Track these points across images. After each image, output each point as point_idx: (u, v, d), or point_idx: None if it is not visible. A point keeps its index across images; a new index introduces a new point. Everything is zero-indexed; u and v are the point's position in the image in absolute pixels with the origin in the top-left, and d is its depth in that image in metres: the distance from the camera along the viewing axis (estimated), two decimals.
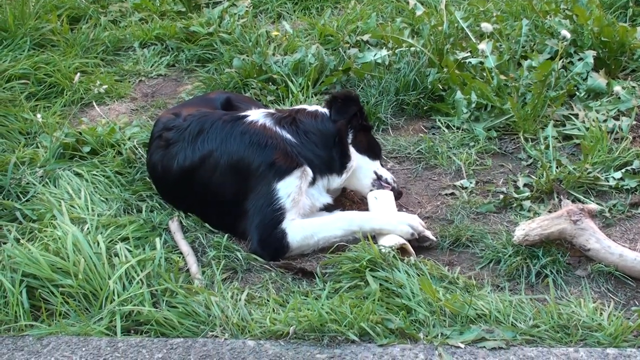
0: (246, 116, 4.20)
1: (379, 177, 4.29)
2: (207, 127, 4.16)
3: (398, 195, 4.28)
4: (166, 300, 3.50)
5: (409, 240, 3.85)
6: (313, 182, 4.13)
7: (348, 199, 4.46)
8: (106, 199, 4.39)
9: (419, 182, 4.65)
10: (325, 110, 4.30)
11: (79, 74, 5.90)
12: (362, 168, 4.29)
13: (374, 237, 3.86)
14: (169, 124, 4.35)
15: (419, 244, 3.92)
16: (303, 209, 4.04)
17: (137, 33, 6.84)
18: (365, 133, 4.40)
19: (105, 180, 4.55)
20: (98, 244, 3.75)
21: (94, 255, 3.65)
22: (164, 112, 4.80)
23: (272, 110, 4.39)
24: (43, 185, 4.52)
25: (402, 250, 3.78)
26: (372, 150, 4.40)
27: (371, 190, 4.24)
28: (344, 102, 4.27)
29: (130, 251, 3.78)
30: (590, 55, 5.33)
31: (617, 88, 5.09)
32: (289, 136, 4.11)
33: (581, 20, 5.56)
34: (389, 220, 3.93)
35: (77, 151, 4.85)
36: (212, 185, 4.08)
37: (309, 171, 4.05)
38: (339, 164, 4.20)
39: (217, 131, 4.12)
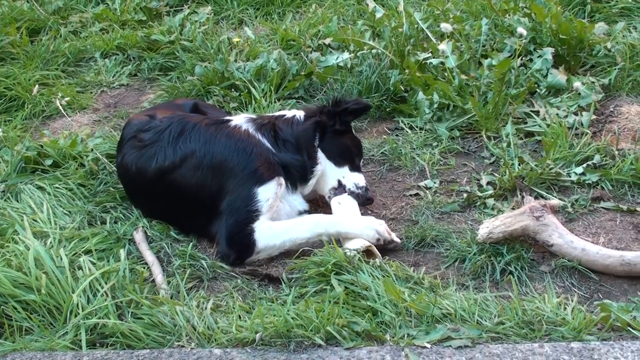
0: (229, 120, 4.26)
1: (340, 185, 4.29)
2: (189, 128, 4.18)
3: (367, 201, 4.28)
4: (131, 312, 3.48)
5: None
6: (295, 189, 4.20)
7: (313, 204, 4.44)
8: (69, 211, 4.36)
9: (383, 183, 4.66)
10: (301, 114, 4.36)
11: (37, 86, 5.84)
12: (325, 175, 4.31)
13: (339, 240, 3.87)
14: (143, 125, 4.34)
15: (384, 245, 3.92)
16: (278, 215, 4.08)
17: (98, 43, 6.80)
18: (338, 137, 4.38)
19: (68, 192, 4.52)
20: (61, 257, 3.70)
21: (56, 269, 3.60)
22: (136, 115, 4.78)
23: (253, 116, 4.42)
24: (5, 200, 4.48)
25: (367, 252, 3.79)
26: (342, 156, 4.36)
27: (329, 197, 4.26)
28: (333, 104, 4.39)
29: (94, 263, 3.75)
30: (548, 52, 5.38)
31: (576, 84, 5.15)
32: (269, 145, 4.17)
33: (539, 18, 5.62)
34: (355, 224, 3.94)
35: (39, 164, 4.80)
36: (191, 184, 4.07)
37: (283, 182, 4.08)
38: (309, 167, 4.23)
39: (200, 132, 4.14)
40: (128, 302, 3.53)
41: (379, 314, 3.34)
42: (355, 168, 4.37)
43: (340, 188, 4.28)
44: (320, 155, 4.28)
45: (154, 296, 3.58)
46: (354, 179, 4.31)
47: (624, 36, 5.73)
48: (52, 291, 3.51)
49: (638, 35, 5.71)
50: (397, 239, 3.97)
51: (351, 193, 4.24)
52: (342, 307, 3.35)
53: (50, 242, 3.91)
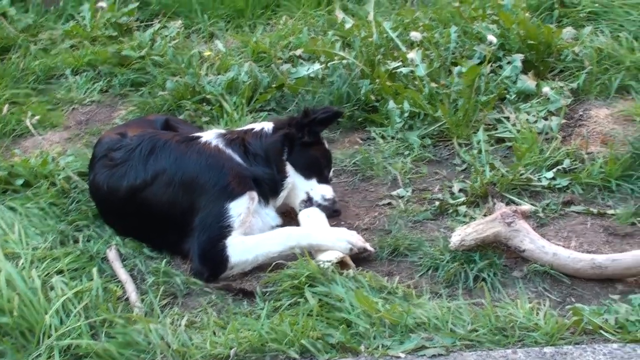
0: (199, 137, 4.26)
1: (309, 199, 4.29)
2: (159, 145, 4.18)
3: (334, 213, 4.28)
4: (105, 331, 3.45)
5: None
6: (267, 202, 4.20)
7: (286, 216, 4.43)
8: (41, 231, 4.31)
9: (356, 194, 4.67)
10: (270, 127, 4.36)
11: (7, 105, 5.80)
12: (295, 188, 4.31)
13: (311, 253, 3.87)
14: (114, 144, 4.33)
15: (357, 254, 3.92)
16: (251, 230, 4.07)
17: (69, 60, 6.73)
18: (306, 149, 4.36)
19: (39, 212, 4.48)
20: (33, 279, 3.66)
21: (28, 291, 3.56)
22: (106, 133, 4.76)
23: (223, 131, 4.42)
24: None
25: (341, 263, 3.79)
26: (310, 168, 4.35)
27: (299, 210, 4.26)
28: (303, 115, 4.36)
29: (66, 283, 3.71)
30: (517, 58, 5.41)
31: (545, 89, 5.18)
32: (240, 160, 4.18)
33: (507, 24, 5.66)
34: (327, 236, 3.94)
35: (9, 184, 4.76)
36: (163, 202, 4.08)
37: (256, 196, 4.09)
38: (279, 180, 4.23)
39: (170, 150, 4.14)
40: (102, 322, 3.50)
41: (353, 325, 3.34)
42: (323, 180, 4.37)
43: (308, 202, 4.28)
44: (289, 168, 4.27)
45: (127, 314, 3.56)
46: (322, 191, 4.31)
47: (591, 40, 5.76)
48: (25, 313, 3.46)
49: (605, 39, 5.77)
50: (370, 248, 3.97)
51: (318, 205, 4.24)
52: (316, 320, 3.36)
53: (22, 263, 3.86)
